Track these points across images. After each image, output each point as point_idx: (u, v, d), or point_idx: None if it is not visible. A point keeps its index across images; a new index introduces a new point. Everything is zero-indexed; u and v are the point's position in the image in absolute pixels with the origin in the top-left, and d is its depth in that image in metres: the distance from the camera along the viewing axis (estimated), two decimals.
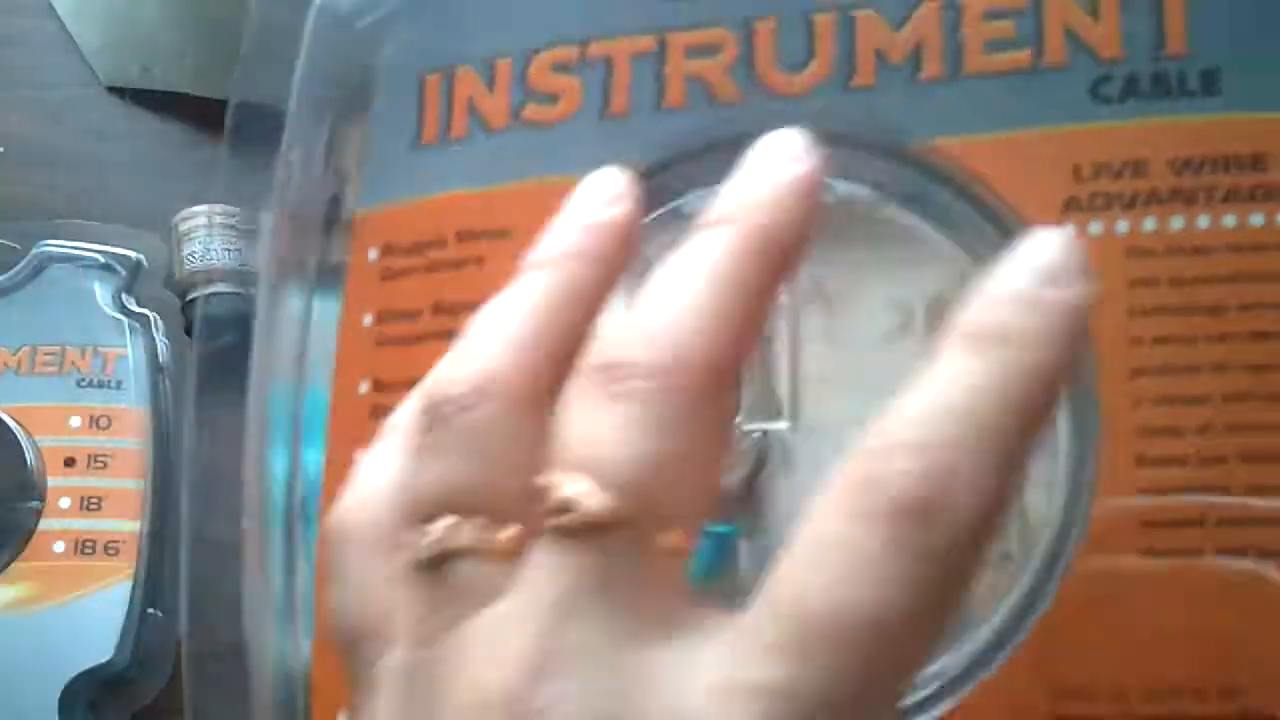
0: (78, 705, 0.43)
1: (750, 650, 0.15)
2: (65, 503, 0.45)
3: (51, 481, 0.45)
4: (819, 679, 0.14)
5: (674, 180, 0.24)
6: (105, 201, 0.53)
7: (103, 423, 0.46)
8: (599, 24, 0.24)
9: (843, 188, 0.23)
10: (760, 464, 0.27)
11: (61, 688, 0.42)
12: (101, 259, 0.50)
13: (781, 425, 0.24)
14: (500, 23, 0.25)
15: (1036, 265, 0.15)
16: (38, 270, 0.50)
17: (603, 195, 0.19)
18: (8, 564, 0.44)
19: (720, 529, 0.25)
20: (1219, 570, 0.19)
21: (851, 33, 0.23)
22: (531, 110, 0.24)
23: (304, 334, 0.25)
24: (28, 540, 0.44)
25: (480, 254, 0.24)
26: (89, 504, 0.45)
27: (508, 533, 0.16)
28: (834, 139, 0.21)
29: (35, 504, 0.45)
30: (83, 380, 0.47)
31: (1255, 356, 0.20)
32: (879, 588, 0.14)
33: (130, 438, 0.46)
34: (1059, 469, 0.21)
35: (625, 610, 0.15)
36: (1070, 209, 0.21)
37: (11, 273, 0.49)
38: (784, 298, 0.25)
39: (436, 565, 0.16)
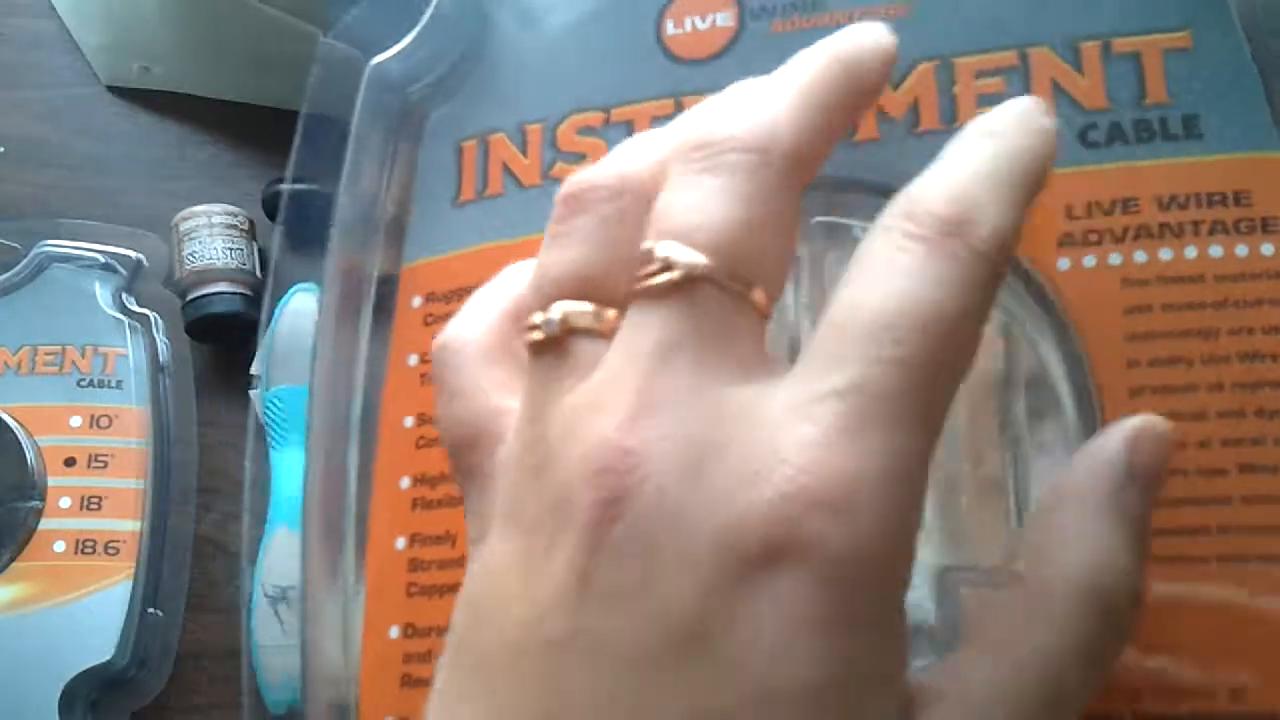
0: (78, 705, 0.43)
1: (818, 363, 0.16)
2: (65, 503, 0.45)
3: (51, 481, 0.45)
4: (884, 373, 0.16)
5: None
6: (105, 201, 0.53)
7: (103, 423, 0.46)
8: (620, 91, 0.27)
9: (859, 231, 0.25)
10: None
11: (61, 688, 0.42)
12: (101, 259, 0.50)
13: None
14: (528, 96, 0.28)
15: (1025, 105, 0.19)
16: (38, 270, 0.50)
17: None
18: (8, 564, 0.44)
19: None
20: (1220, 574, 0.21)
21: None
22: (559, 168, 0.27)
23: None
24: (28, 540, 0.44)
25: None
26: (89, 504, 0.45)
27: (618, 313, 0.18)
28: (843, 185, 0.24)
29: (35, 504, 0.45)
30: (83, 380, 0.47)
31: (1247, 375, 0.21)
32: (928, 287, 0.16)
33: (130, 438, 0.46)
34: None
35: (712, 357, 0.17)
36: (1064, 244, 0.23)
37: (11, 273, 0.49)
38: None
39: (556, 346, 0.18)
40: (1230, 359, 0.21)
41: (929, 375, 0.16)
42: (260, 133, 0.54)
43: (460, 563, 0.25)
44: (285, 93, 0.54)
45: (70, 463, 0.46)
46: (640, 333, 0.17)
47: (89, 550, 0.44)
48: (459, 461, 0.20)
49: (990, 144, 0.18)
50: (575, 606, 0.16)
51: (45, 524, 0.44)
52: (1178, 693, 0.20)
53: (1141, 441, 0.19)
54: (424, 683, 0.24)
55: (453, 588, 0.24)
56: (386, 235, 0.28)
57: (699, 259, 0.17)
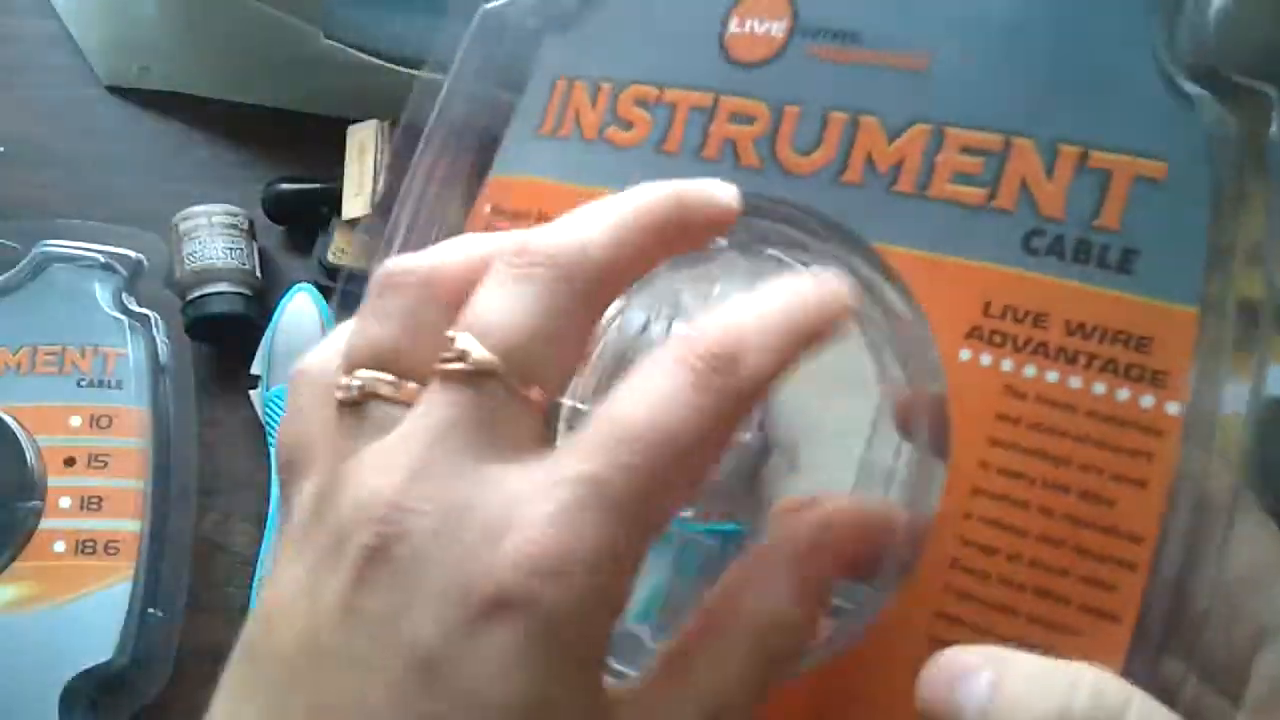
0: (78, 705, 0.43)
1: (574, 452, 0.19)
2: (65, 503, 0.45)
3: (51, 481, 0.45)
4: (618, 474, 0.19)
5: None
6: (105, 201, 0.53)
7: (103, 423, 0.46)
8: (677, 74, 0.28)
9: (817, 266, 0.26)
10: (760, 462, 0.28)
11: (61, 688, 0.42)
12: (101, 259, 0.50)
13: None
14: (614, 54, 0.29)
15: (832, 286, 0.22)
16: (38, 270, 0.50)
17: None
18: (8, 564, 0.44)
19: (726, 527, 0.27)
20: None
21: (854, 134, 0.26)
22: (611, 131, 0.28)
23: None
24: (28, 540, 0.44)
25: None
26: (89, 504, 0.45)
27: (414, 386, 0.21)
28: (818, 218, 0.26)
29: (35, 504, 0.45)
30: (83, 380, 0.47)
31: (1078, 512, 0.22)
32: (679, 410, 0.19)
33: (130, 437, 0.46)
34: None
35: (485, 438, 0.20)
36: (971, 336, 0.24)
37: (11, 273, 0.49)
38: None
39: (357, 405, 0.21)
40: (1070, 491, 0.22)
41: (655, 484, 0.19)
42: (260, 133, 0.55)
43: None
44: (285, 93, 0.55)
45: (70, 463, 0.46)
46: (430, 408, 0.20)
47: (89, 550, 0.44)
48: (282, 477, 0.23)
49: (782, 300, 0.22)
50: (342, 627, 0.19)
51: (45, 524, 0.44)
52: None
53: (832, 520, 0.22)
54: None
55: None
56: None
57: (489, 357, 0.20)
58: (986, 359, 0.24)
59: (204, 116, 0.55)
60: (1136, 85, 0.25)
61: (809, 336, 0.21)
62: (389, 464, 0.20)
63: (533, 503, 0.19)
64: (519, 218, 0.28)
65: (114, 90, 0.57)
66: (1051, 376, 0.23)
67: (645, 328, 0.28)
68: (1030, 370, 0.23)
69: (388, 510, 0.19)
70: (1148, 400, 0.23)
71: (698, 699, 0.21)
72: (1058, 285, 0.24)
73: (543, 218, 0.28)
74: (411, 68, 0.49)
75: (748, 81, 0.27)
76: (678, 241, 0.23)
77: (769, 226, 0.27)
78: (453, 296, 0.21)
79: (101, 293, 0.50)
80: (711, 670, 0.21)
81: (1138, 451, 0.22)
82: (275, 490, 0.37)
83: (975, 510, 0.23)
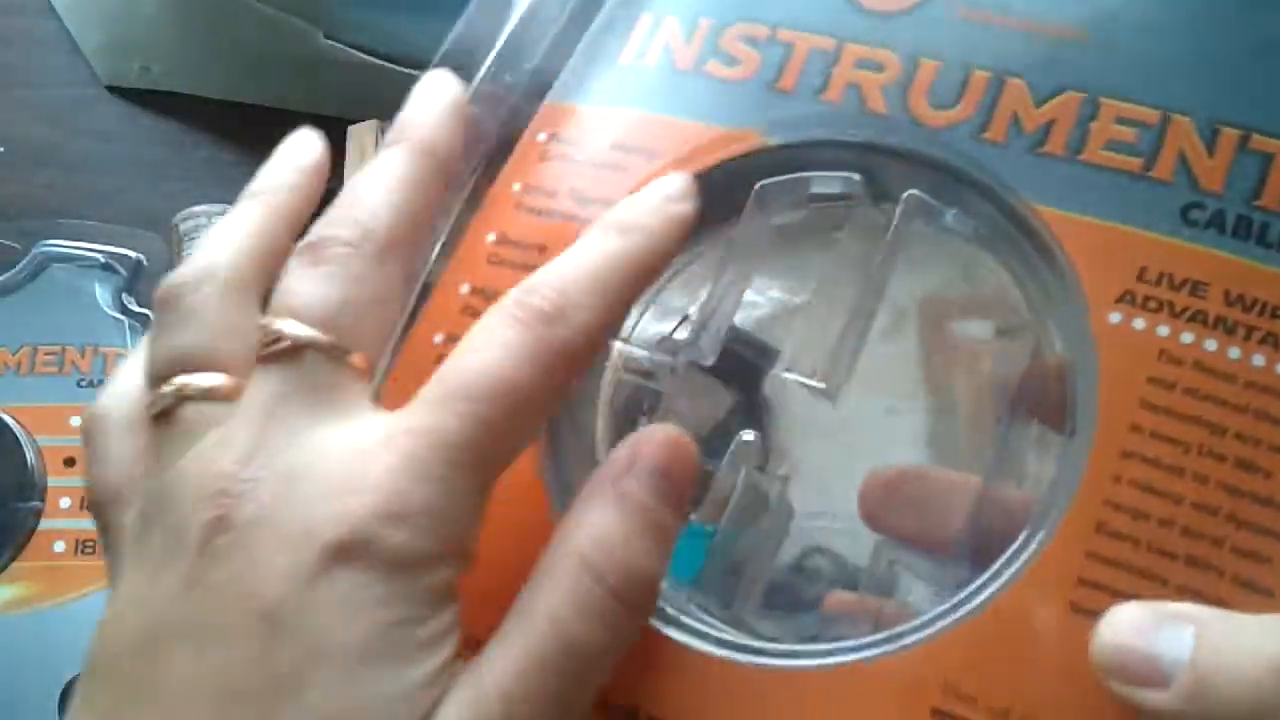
0: None
1: (415, 406, 0.21)
2: (65, 503, 0.45)
3: (51, 481, 0.45)
4: (456, 424, 0.20)
5: (807, 157, 0.27)
6: (105, 201, 0.53)
7: None
8: (792, 15, 0.28)
9: (950, 218, 0.27)
10: (760, 462, 0.28)
11: (61, 688, 0.42)
12: (101, 259, 0.50)
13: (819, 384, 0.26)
14: None
15: (665, 188, 0.25)
16: (38, 270, 0.50)
17: None
18: (8, 564, 0.44)
19: (703, 529, 0.26)
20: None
21: (999, 93, 0.26)
22: (713, 66, 0.28)
23: None
24: (28, 540, 0.44)
25: (624, 164, 0.27)
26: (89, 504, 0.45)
27: (229, 379, 0.22)
28: (955, 172, 0.26)
29: (35, 504, 0.45)
30: (83, 380, 0.47)
31: (1235, 480, 0.22)
32: (510, 360, 0.21)
33: None
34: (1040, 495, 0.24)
35: (322, 405, 0.21)
36: (1123, 300, 0.24)
37: (11, 273, 0.49)
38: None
39: (169, 414, 0.21)
40: (1227, 459, 0.22)
41: (491, 432, 0.20)
42: (260, 133, 0.55)
43: None
44: (285, 93, 0.54)
45: (70, 463, 0.46)
46: (257, 389, 0.21)
47: (89, 550, 0.44)
48: (100, 520, 0.23)
49: (608, 243, 0.23)
50: (183, 603, 0.19)
51: (45, 524, 0.44)
52: None
53: (643, 444, 0.22)
54: None
55: None
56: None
57: (305, 331, 0.21)
58: (1140, 323, 0.23)
59: (204, 116, 0.55)
60: None
61: (636, 283, 0.23)
62: (223, 446, 0.20)
63: (378, 454, 0.20)
64: (585, 145, 0.28)
65: (114, 90, 0.57)
66: (1210, 345, 0.23)
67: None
68: (1188, 337, 0.23)
69: (226, 484, 0.20)
70: None
71: (536, 631, 0.20)
72: (1218, 257, 0.24)
73: (616, 147, 0.27)
74: (411, 68, 0.49)
75: (878, 29, 0.27)
76: (437, 195, 0.25)
77: (903, 169, 0.26)
78: (243, 295, 0.23)
79: (101, 293, 0.50)
80: (544, 596, 0.20)
81: None
82: None
83: (1125, 473, 0.22)
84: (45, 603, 0.43)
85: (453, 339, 0.25)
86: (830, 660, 0.23)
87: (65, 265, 0.50)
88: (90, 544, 0.44)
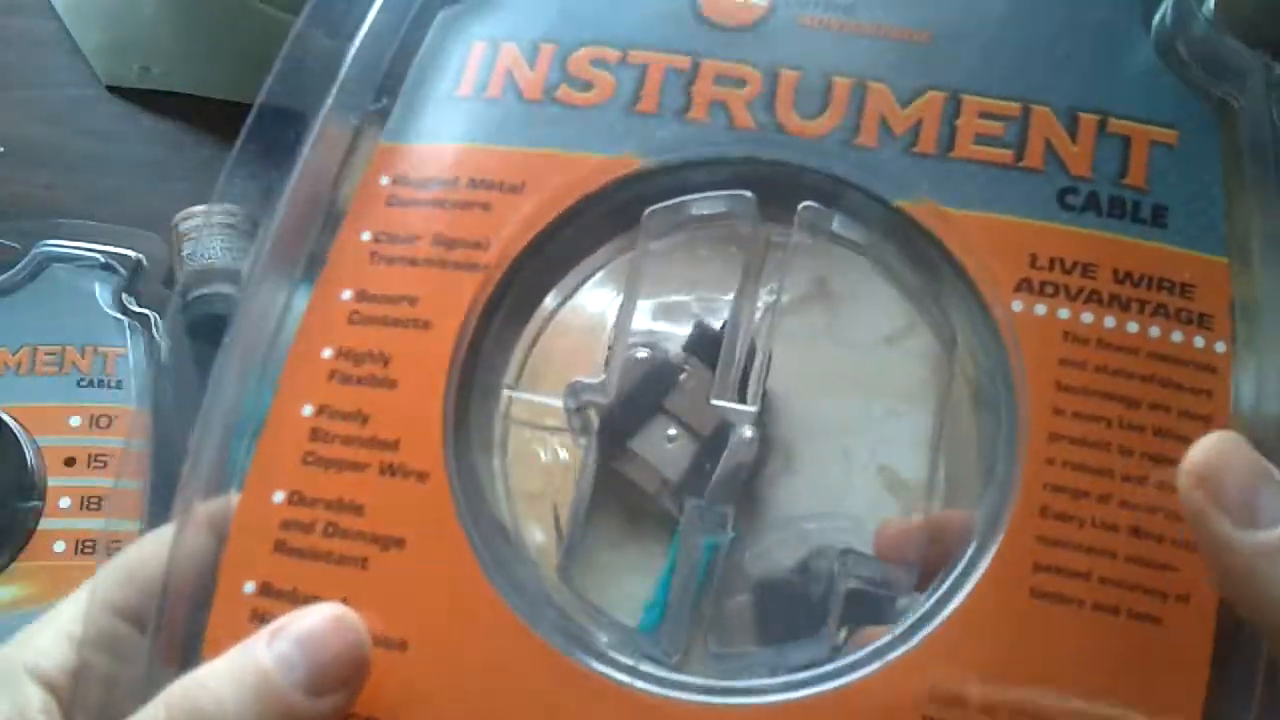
0: None
1: None
2: (65, 503, 0.45)
3: (51, 481, 0.45)
4: None
5: (687, 178, 0.27)
6: (105, 201, 0.53)
7: (103, 423, 0.46)
8: (645, 36, 0.28)
9: (839, 223, 0.27)
10: (758, 464, 0.28)
11: None
12: (101, 259, 0.50)
13: (749, 409, 0.26)
14: (550, 16, 0.29)
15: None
16: (38, 270, 0.50)
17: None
18: (8, 564, 0.44)
19: (719, 538, 0.27)
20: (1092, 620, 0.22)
21: (863, 99, 0.27)
22: (565, 92, 0.28)
23: (281, 322, 0.27)
24: (28, 540, 0.44)
25: (489, 201, 0.27)
26: (89, 504, 0.45)
27: None
28: (834, 180, 0.26)
29: (35, 504, 0.45)
30: (83, 380, 0.47)
31: (1155, 449, 0.23)
32: None
33: (130, 438, 0.46)
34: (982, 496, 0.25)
35: None
36: (1021, 289, 0.24)
37: (11, 273, 0.49)
38: (776, 296, 0.28)
39: None
40: (1145, 429, 0.23)
41: None
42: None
43: (371, 443, 0.25)
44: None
45: (70, 463, 0.45)
46: None
47: (89, 550, 0.44)
48: None
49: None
50: None
51: (45, 524, 0.44)
52: (1031, 715, 0.22)
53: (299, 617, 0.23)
54: (299, 553, 0.25)
55: (354, 465, 0.25)
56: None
57: None
58: (1041, 308, 0.24)
59: (204, 116, 0.55)
60: (1138, 55, 0.26)
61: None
62: None
63: None
64: (440, 186, 0.27)
65: (114, 90, 0.57)
66: (1109, 322, 0.24)
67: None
68: (1087, 316, 0.24)
69: None
70: (1200, 341, 0.24)
71: None
72: (1100, 238, 0.25)
73: (476, 185, 0.27)
74: None
75: (731, 44, 0.28)
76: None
77: (784, 182, 0.26)
78: None
79: (101, 293, 0.49)
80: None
81: (1199, 389, 0.23)
82: None
83: (1057, 455, 0.23)
84: (45, 603, 0.43)
85: (324, 410, 0.25)
86: (820, 688, 0.23)
87: (65, 265, 0.50)
88: (90, 544, 0.44)
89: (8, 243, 0.50)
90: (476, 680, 0.23)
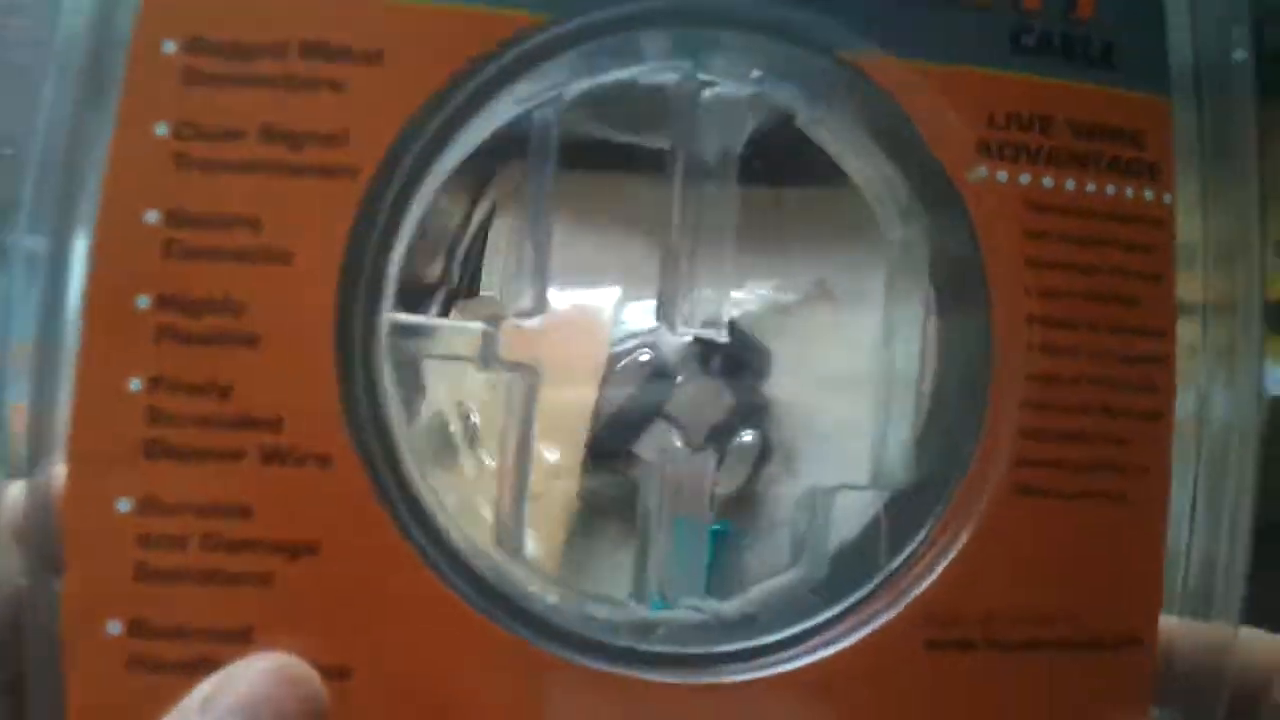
0: None
1: None
2: None
3: None
4: None
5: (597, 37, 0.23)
6: None
7: None
8: None
9: (770, 85, 0.24)
10: (761, 463, 0.28)
11: None
12: None
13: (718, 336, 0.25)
14: None
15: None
16: None
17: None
18: None
19: (713, 526, 0.26)
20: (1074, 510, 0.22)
21: None
22: None
23: None
24: None
25: (340, 77, 0.20)
26: None
27: None
28: (769, 30, 0.23)
29: None
30: None
31: (1114, 318, 0.22)
32: None
33: None
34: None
35: None
36: (982, 152, 0.22)
37: None
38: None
39: None
40: (1107, 299, 0.22)
41: None
42: None
43: (242, 423, 0.20)
44: None
45: None
46: None
47: None
48: None
49: None
50: None
51: None
52: (1029, 619, 0.22)
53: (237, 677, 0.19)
54: (173, 576, 0.19)
55: (222, 454, 0.20)
56: None
57: None
58: (1003, 175, 0.23)
59: None
60: None
61: None
62: None
63: None
64: (260, 56, 0.20)
65: None
66: (1069, 185, 0.23)
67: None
68: (1048, 180, 0.23)
69: None
70: (1149, 194, 0.23)
71: None
72: (1055, 85, 0.23)
73: (312, 53, 0.20)
74: None
75: None
76: None
77: (716, 38, 0.23)
78: None
79: None
80: None
81: (1150, 246, 0.23)
82: None
83: (1032, 340, 0.22)
84: None
85: (159, 382, 0.19)
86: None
87: None
88: None
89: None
90: (440, 692, 0.20)
